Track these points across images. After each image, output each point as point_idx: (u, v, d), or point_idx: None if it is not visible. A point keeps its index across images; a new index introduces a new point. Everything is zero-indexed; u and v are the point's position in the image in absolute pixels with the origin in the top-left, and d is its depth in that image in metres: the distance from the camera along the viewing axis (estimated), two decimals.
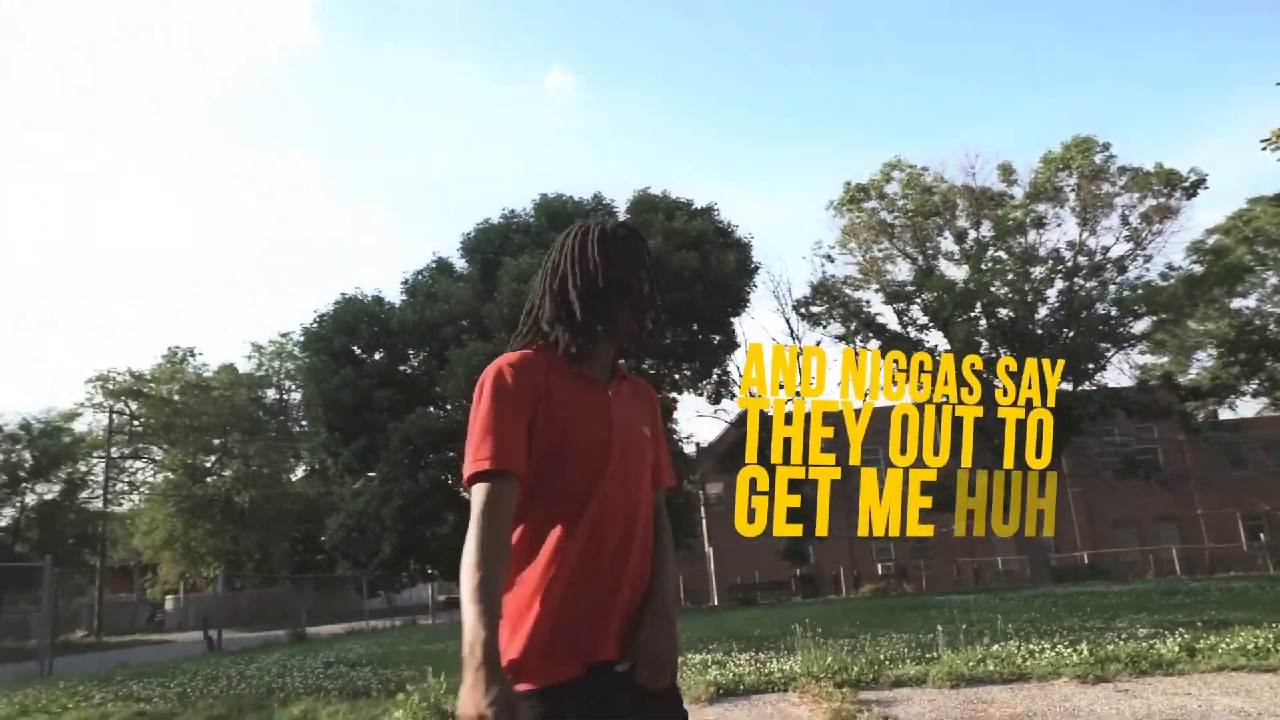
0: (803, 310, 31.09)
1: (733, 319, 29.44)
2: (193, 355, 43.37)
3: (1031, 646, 7.34)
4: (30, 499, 28.36)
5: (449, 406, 27.17)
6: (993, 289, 26.89)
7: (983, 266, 25.61)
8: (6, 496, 27.49)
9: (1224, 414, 46.61)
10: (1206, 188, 26.35)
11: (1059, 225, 28.39)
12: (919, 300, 25.23)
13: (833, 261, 30.31)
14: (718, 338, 29.79)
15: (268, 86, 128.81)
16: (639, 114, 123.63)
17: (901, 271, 29.58)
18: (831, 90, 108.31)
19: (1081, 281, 28.18)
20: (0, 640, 26.20)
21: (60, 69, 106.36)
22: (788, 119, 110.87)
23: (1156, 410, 27.25)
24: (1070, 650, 7.15)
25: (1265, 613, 9.38)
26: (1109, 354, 28.45)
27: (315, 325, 28.01)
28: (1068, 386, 28.28)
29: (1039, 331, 26.09)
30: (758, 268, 28.08)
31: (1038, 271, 28.24)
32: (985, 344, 25.75)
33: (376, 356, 28.12)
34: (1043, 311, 27.69)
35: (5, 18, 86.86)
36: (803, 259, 68.57)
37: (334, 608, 34.33)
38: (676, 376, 30.29)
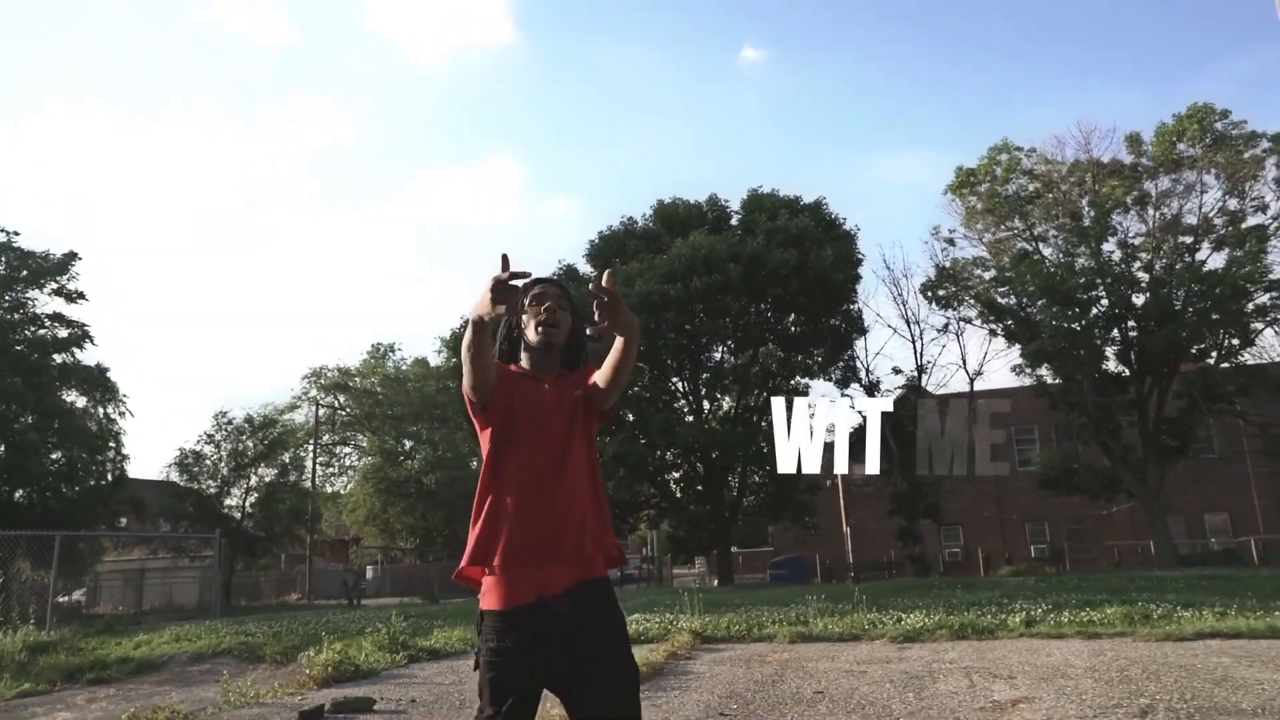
0: (930, 294, 31.25)
1: (849, 306, 30.30)
2: (393, 350, 49.23)
3: (872, 616, 8.84)
4: (254, 480, 34.13)
5: None
6: (1113, 266, 26.19)
7: (1093, 247, 24.98)
8: (235, 478, 33.37)
9: None
10: None
11: (1202, 193, 27.03)
12: (1025, 285, 25.03)
13: (953, 245, 30.34)
14: (842, 324, 30.71)
15: (471, 86, 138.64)
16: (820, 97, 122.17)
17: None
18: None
19: (1235, 251, 26.64)
20: (236, 598, 32.39)
21: (287, 83, 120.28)
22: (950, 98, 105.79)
23: None
24: (901, 619, 8.66)
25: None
26: (1259, 329, 26.79)
27: None
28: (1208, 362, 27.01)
29: (1175, 306, 25.00)
30: (862, 259, 28.80)
31: (1183, 241, 27.03)
32: (1098, 329, 25.29)
33: None
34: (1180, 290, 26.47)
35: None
36: (924, 243, 66.67)
37: None
38: (808, 363, 31.39)
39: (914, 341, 30.56)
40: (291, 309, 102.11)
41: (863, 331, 31.49)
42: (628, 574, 40.93)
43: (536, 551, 2.11)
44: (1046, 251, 27.71)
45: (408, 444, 48.08)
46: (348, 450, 48.83)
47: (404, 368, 49.48)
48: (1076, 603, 9.59)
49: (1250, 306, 25.90)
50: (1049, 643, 7.54)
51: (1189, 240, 26.69)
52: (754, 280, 26.61)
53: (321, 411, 43.92)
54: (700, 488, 29.83)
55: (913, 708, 5.04)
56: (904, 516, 26.56)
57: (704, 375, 30.06)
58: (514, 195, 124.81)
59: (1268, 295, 25.76)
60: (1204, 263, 26.48)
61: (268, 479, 34.49)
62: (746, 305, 27.84)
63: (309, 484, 38.47)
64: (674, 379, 30.48)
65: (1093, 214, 25.74)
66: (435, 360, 50.84)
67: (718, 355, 30.86)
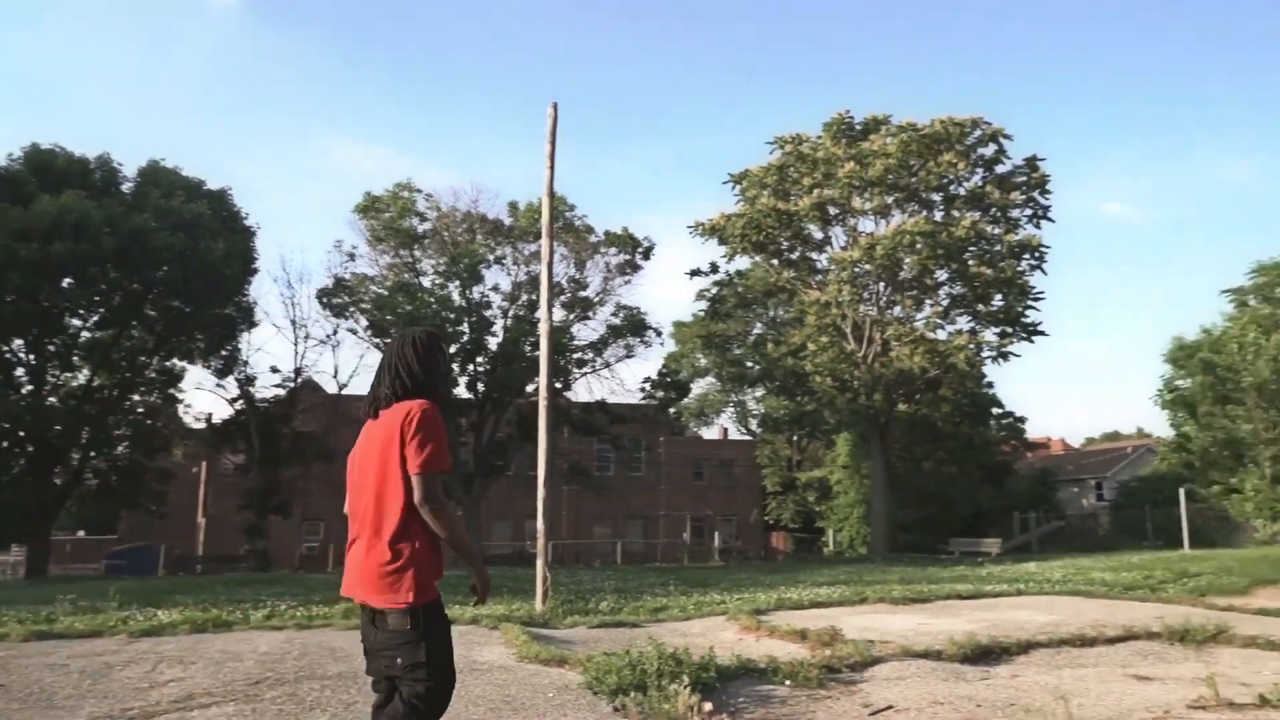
0: (325, 300, 32.78)
1: (240, 299, 30.30)
2: None
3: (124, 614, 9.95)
4: None
5: None
6: (481, 309, 30.92)
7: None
8: None
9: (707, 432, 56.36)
10: (654, 256, 32.83)
11: (559, 263, 33.49)
12: (398, 309, 28.38)
13: (354, 260, 32.44)
14: (233, 313, 30.40)
15: None
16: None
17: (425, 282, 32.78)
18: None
19: (568, 313, 33.39)
20: None
21: None
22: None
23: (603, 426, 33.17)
24: None
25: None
26: (577, 374, 33.95)
27: None
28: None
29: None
30: (257, 258, 29.33)
31: (532, 298, 32.99)
32: (458, 360, 29.67)
33: None
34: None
35: None
36: (327, 252, 71.66)
37: None
38: (189, 347, 30.24)
39: (296, 344, 31.86)
40: None
41: (251, 325, 31.75)
42: None
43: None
44: (426, 283, 31.50)
45: None
46: None
47: None
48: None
49: (573, 358, 32.88)
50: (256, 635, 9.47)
51: (535, 297, 32.86)
52: (131, 256, 25.16)
53: None
54: (25, 465, 26.78)
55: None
56: (254, 512, 27.48)
57: (53, 346, 27.17)
58: None
59: (577, 354, 32.90)
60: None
61: None
62: (120, 280, 26.13)
63: None
64: (12, 344, 26.90)
65: (466, 261, 30.10)
66: None
67: (78, 323, 28.19)
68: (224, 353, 31.07)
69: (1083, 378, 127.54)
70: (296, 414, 30.66)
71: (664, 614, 10.20)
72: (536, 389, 33.14)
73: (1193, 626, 7.44)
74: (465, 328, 30.12)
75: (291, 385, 31.51)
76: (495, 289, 31.86)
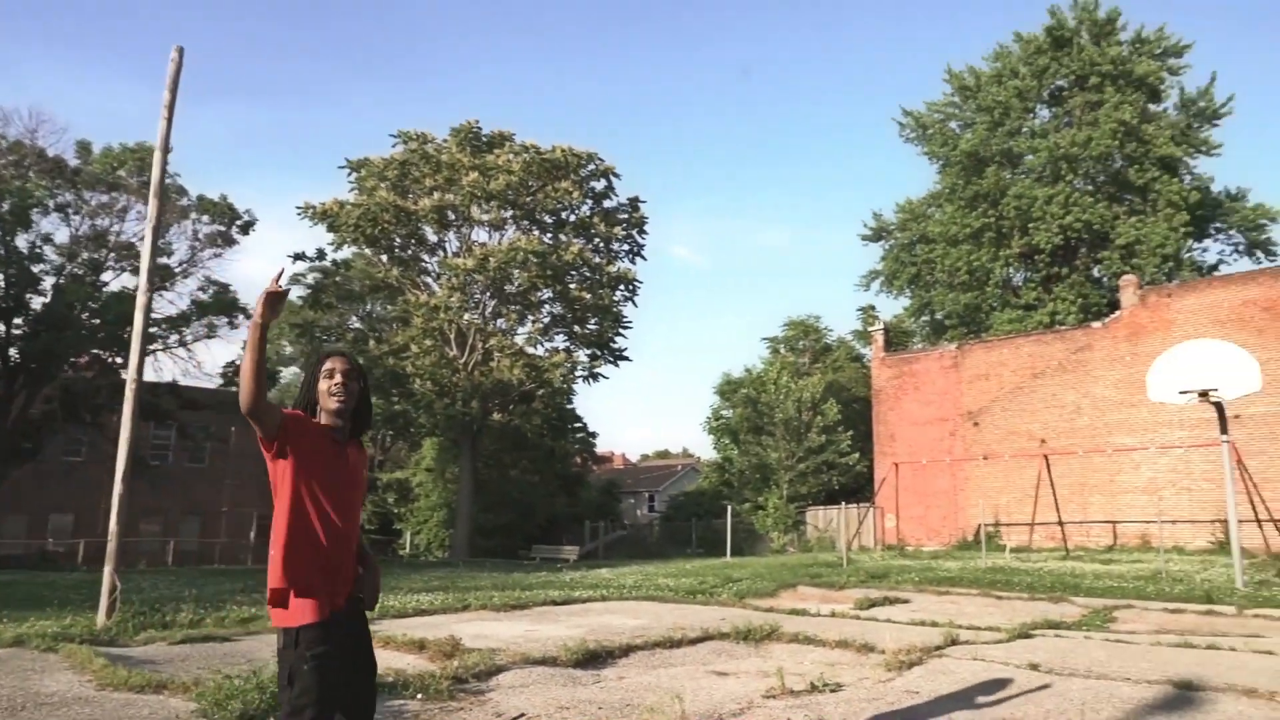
0: None
1: None
2: None
3: None
4: None
5: None
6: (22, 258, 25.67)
7: None
8: None
9: None
10: (255, 230, 30.07)
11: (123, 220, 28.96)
12: None
13: None
14: None
15: None
16: None
17: None
18: None
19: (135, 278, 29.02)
20: None
21: None
22: None
23: (162, 412, 29.32)
24: None
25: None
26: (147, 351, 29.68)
27: None
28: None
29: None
30: None
31: (95, 257, 28.13)
32: None
33: None
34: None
35: None
36: None
37: None
38: None
39: None
40: None
41: None
42: None
43: (333, 578, 2.92)
44: None
45: None
46: None
47: None
48: None
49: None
50: None
51: (100, 256, 28.21)
52: None
53: None
54: None
55: None
56: None
57: None
58: None
59: (156, 328, 28.98)
60: (108, 283, 28.33)
61: None
62: None
63: None
64: None
65: (13, 201, 24.93)
66: None
67: None
68: None
69: (642, 398, 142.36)
70: None
71: (256, 625, 9.43)
72: (90, 362, 28.37)
73: (753, 627, 8.81)
74: (0, 280, 24.81)
75: None
76: (48, 239, 26.69)
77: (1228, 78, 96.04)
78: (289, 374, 47.70)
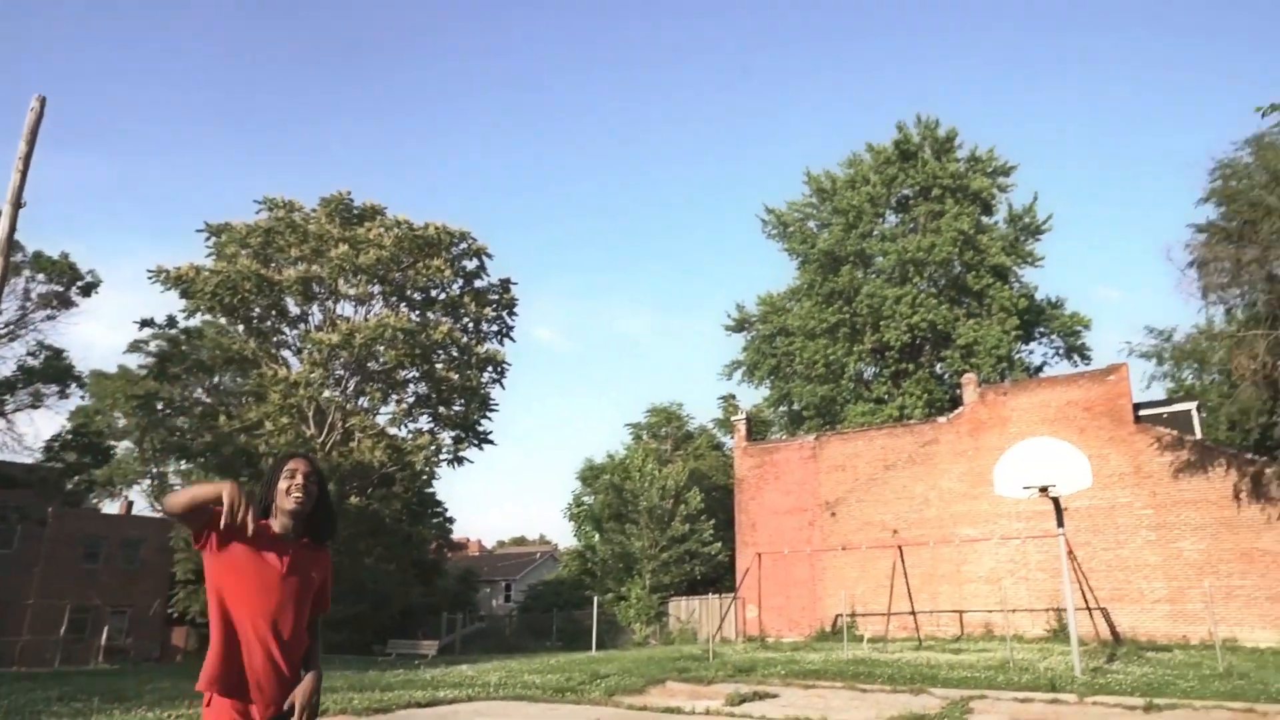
0: None
1: None
2: None
3: None
4: None
5: None
6: None
7: None
8: None
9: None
10: (99, 292, 28.01)
11: None
12: None
13: None
14: None
15: None
16: None
17: None
18: None
19: None
20: None
21: None
22: None
23: None
24: None
25: None
26: None
27: None
28: None
29: None
30: None
31: None
32: None
33: None
34: None
35: None
36: None
37: None
38: None
39: None
40: None
41: None
42: None
43: (255, 685, 2.93)
44: None
45: None
46: None
47: None
48: None
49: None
50: None
51: None
52: None
53: None
54: None
55: None
56: None
57: None
58: None
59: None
60: None
61: None
62: None
63: None
64: None
65: None
66: None
67: None
68: None
69: (499, 483, 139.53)
70: None
71: None
72: None
73: None
74: None
75: None
76: None
77: (1048, 197, 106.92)
78: (123, 447, 43.93)
